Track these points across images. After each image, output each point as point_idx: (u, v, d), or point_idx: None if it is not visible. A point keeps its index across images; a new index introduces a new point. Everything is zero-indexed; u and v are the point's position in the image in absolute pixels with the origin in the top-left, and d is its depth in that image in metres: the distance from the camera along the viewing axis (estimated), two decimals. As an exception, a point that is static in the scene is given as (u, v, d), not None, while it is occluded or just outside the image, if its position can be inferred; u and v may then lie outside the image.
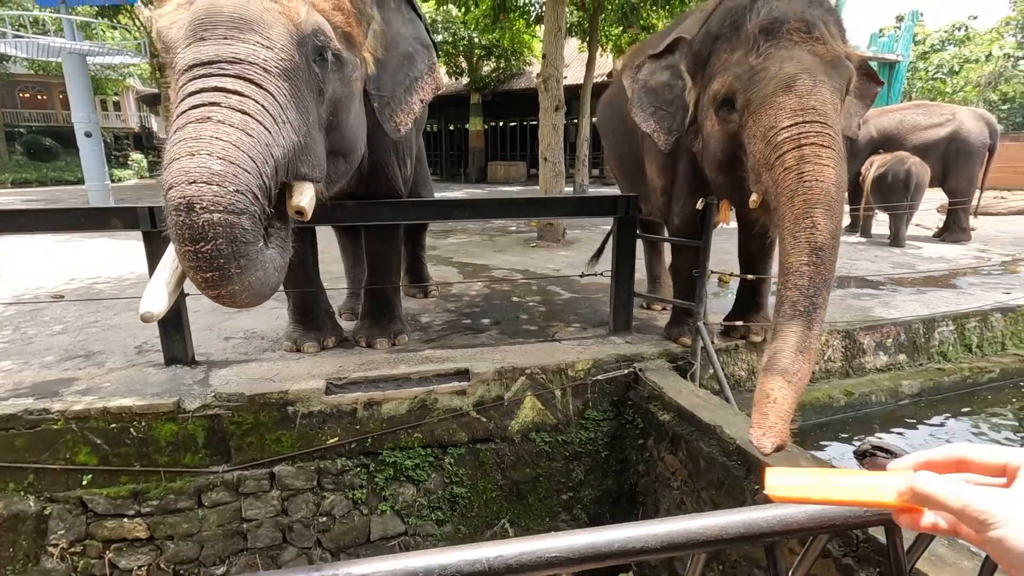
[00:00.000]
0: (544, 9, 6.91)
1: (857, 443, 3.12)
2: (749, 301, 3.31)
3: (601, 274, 3.53)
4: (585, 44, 12.57)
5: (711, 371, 3.05)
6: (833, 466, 2.16)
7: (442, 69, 19.46)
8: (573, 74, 15.73)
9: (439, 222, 6.51)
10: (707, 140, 2.51)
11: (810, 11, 2.17)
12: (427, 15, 15.28)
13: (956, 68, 27.70)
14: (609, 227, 3.61)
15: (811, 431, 3.25)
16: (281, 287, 3.11)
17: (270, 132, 1.52)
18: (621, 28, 12.52)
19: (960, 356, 3.88)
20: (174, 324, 2.83)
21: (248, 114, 1.48)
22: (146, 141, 26.94)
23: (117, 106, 30.09)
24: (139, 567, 2.53)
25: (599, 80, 13.65)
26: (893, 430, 3.34)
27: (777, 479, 0.55)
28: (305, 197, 1.75)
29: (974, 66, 26.62)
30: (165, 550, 2.54)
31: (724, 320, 3.35)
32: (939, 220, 7.60)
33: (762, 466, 2.12)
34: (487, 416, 2.84)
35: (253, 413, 2.57)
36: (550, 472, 2.96)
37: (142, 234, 2.68)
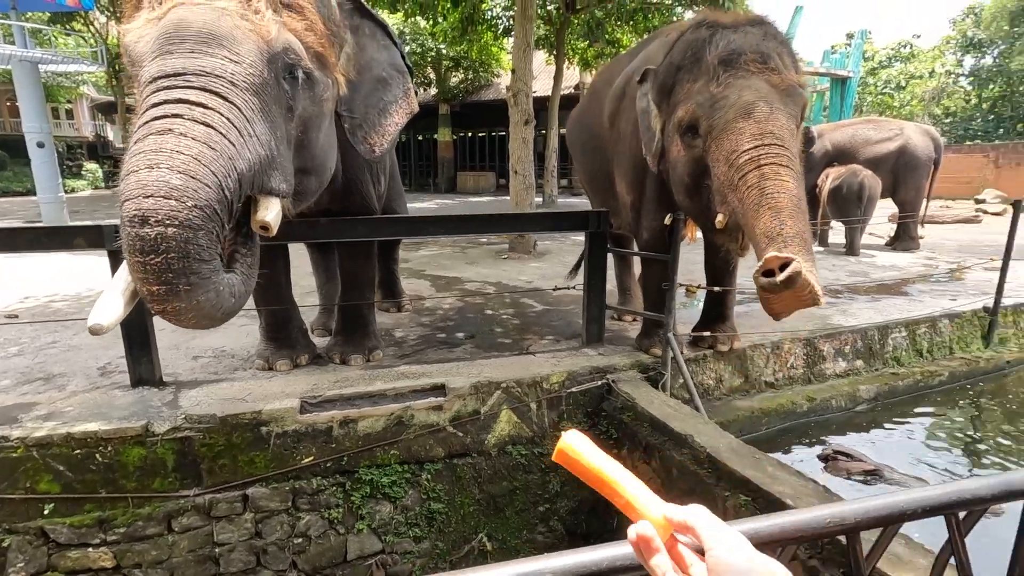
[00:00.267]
0: (512, 23, 7.04)
1: (819, 447, 3.26)
2: (716, 312, 3.42)
3: (573, 287, 3.60)
4: (552, 57, 12.79)
5: (681, 380, 3.14)
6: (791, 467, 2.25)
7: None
8: (541, 86, 15.93)
9: (414, 239, 6.49)
10: (674, 164, 2.62)
11: (765, 44, 2.31)
12: (394, 26, 15.29)
13: (903, 84, 29.18)
14: (582, 239, 3.69)
15: (776, 437, 3.37)
16: (252, 304, 3.11)
17: (234, 145, 1.52)
18: (587, 43, 12.79)
19: (912, 361, 4.09)
20: (140, 344, 2.77)
21: (212, 127, 1.48)
22: (101, 151, 25.97)
23: (70, 114, 28.99)
24: (105, 598, 2.44)
25: (566, 92, 13.89)
26: (852, 434, 3.49)
27: (572, 441, 0.58)
28: (271, 212, 1.74)
29: (919, 82, 28.10)
30: (133, 579, 2.46)
31: (692, 331, 3.46)
32: (891, 229, 7.98)
33: (725, 468, 2.21)
34: (464, 431, 2.86)
35: (225, 434, 2.52)
36: (527, 484, 2.99)
37: (108, 253, 2.61)
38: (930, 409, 3.83)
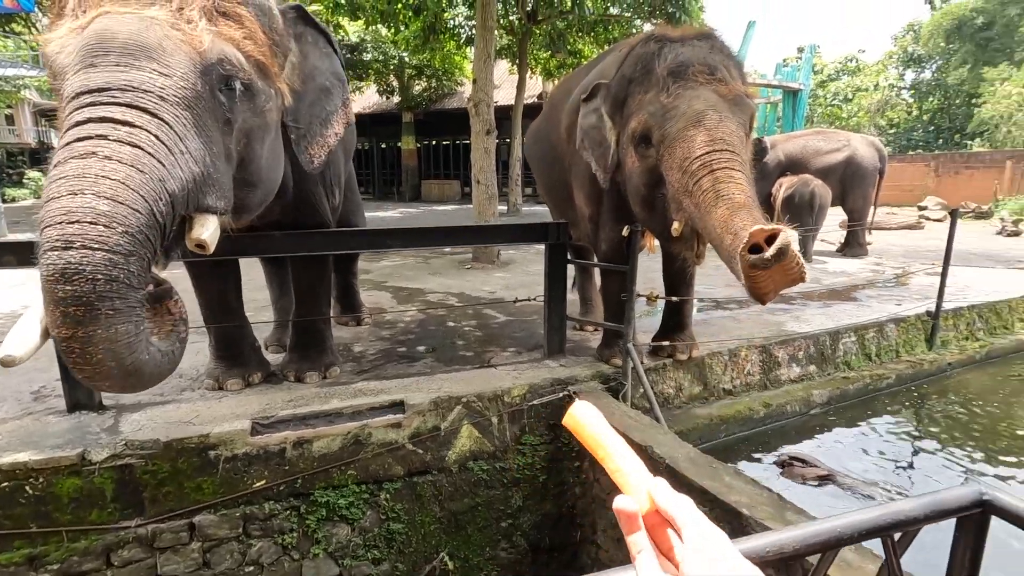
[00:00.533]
0: (474, 33, 7.05)
1: (776, 454, 3.34)
2: (674, 321, 3.47)
3: (534, 299, 3.59)
4: (516, 67, 12.87)
5: (642, 390, 3.16)
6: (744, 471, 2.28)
7: (372, 88, 19.28)
8: (504, 95, 16.00)
9: (372, 252, 6.37)
10: (629, 176, 2.65)
11: (712, 56, 2.38)
12: (355, 34, 15.13)
13: (850, 96, 30.56)
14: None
15: (735, 445, 3.43)
16: (202, 321, 2.99)
17: (165, 165, 1.44)
18: (550, 53, 12.93)
19: (862, 364, 4.24)
20: (78, 367, 2.61)
21: (140, 147, 1.40)
22: (44, 158, 24.75)
23: (10, 120, 27.52)
24: (36, 640, 2.28)
25: (529, 102, 13.98)
26: (807, 439, 3.58)
27: (578, 412, 0.59)
28: (206, 230, 1.66)
29: (865, 94, 29.49)
30: (68, 618, 2.31)
31: (652, 340, 3.50)
32: (841, 236, 8.30)
33: (683, 478, 2.23)
34: (424, 448, 2.80)
35: (170, 460, 2.40)
36: (489, 500, 2.95)
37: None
38: (879, 411, 3.97)
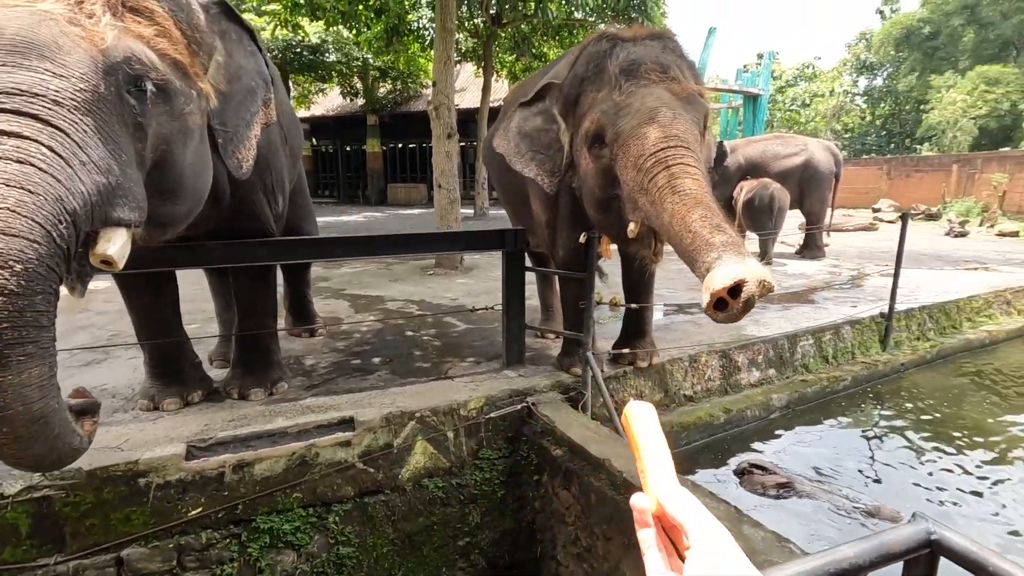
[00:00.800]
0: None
1: (736, 460, 3.32)
2: (634, 328, 3.43)
3: (492, 307, 3.50)
4: (481, 70, 12.80)
5: (602, 400, 3.10)
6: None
7: (336, 90, 18.93)
8: (470, 98, 15.91)
9: (320, 261, 6.15)
10: (584, 178, 2.58)
11: (664, 56, 2.34)
12: (316, 35, 14.81)
13: (807, 101, 31.57)
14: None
15: (696, 453, 3.41)
16: (135, 338, 2.79)
17: (61, 182, 1.28)
18: (515, 56, 12.90)
19: (819, 367, 4.29)
20: (-8, 390, 2.40)
21: (30, 163, 1.24)
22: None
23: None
24: None
25: (495, 104, 13.89)
26: (767, 443, 3.59)
27: (635, 410, 0.61)
28: (113, 245, 1.49)
29: (821, 100, 30.49)
30: (-23, 669, 2.10)
31: (612, 348, 3.45)
32: (800, 238, 8.49)
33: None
34: (375, 466, 2.68)
35: (94, 490, 2.22)
36: (445, 519, 2.84)
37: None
38: (836, 413, 4.02)
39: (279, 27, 12.01)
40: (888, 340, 4.69)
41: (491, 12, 10.77)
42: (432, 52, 14.39)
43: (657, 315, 4.68)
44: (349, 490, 2.63)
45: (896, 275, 4.60)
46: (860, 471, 3.34)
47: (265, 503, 2.48)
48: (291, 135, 3.09)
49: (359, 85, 18.24)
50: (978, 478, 3.25)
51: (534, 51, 12.51)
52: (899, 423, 3.92)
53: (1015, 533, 2.78)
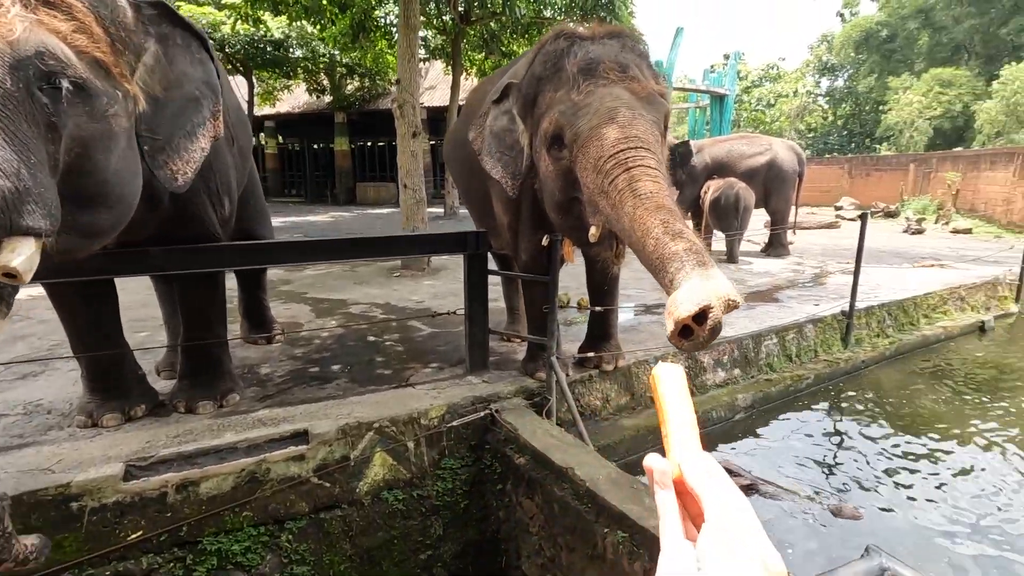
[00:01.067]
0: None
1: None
2: (599, 331, 3.39)
3: (455, 312, 3.41)
4: (450, 67, 12.65)
5: (567, 405, 3.05)
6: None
7: (302, 87, 18.49)
8: (440, 96, 15.75)
9: (271, 267, 5.91)
10: (544, 180, 2.52)
11: (623, 55, 2.28)
12: (279, 30, 14.42)
13: (772, 102, 32.26)
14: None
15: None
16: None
17: None
18: (484, 54, 12.80)
19: (783, 366, 4.33)
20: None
21: None
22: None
23: None
24: None
25: (464, 102, 13.80)
26: (732, 444, 3.60)
27: (664, 372, 0.57)
28: (18, 256, 1.37)
29: (785, 100, 31.20)
30: None
31: (578, 351, 3.40)
32: (766, 236, 8.62)
33: (603, 502, 2.12)
34: (331, 480, 2.57)
35: (21, 516, 2.05)
36: (406, 532, 2.75)
37: None
38: (799, 411, 4.06)
39: (240, 22, 11.64)
40: (849, 338, 4.77)
41: (459, 9, 10.64)
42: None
43: (627, 315, 4.67)
44: (303, 506, 2.52)
45: (856, 274, 4.68)
46: (823, 470, 3.37)
47: (212, 523, 2.34)
48: (238, 135, 2.95)
49: (326, 82, 17.86)
50: (928, 474, 3.32)
51: (503, 49, 12.42)
52: (860, 419, 3.98)
53: (966, 523, 2.84)
